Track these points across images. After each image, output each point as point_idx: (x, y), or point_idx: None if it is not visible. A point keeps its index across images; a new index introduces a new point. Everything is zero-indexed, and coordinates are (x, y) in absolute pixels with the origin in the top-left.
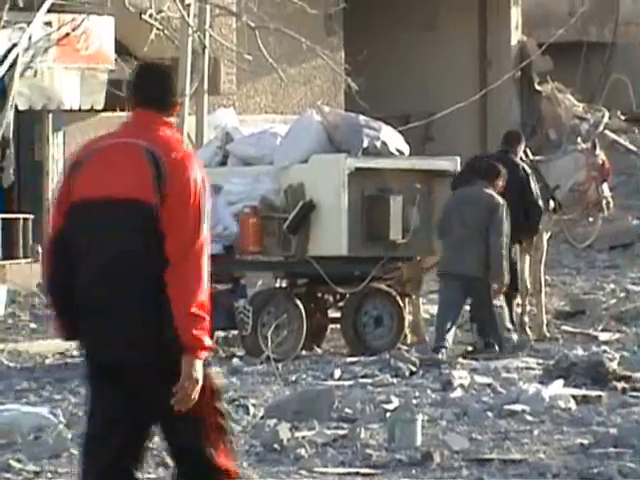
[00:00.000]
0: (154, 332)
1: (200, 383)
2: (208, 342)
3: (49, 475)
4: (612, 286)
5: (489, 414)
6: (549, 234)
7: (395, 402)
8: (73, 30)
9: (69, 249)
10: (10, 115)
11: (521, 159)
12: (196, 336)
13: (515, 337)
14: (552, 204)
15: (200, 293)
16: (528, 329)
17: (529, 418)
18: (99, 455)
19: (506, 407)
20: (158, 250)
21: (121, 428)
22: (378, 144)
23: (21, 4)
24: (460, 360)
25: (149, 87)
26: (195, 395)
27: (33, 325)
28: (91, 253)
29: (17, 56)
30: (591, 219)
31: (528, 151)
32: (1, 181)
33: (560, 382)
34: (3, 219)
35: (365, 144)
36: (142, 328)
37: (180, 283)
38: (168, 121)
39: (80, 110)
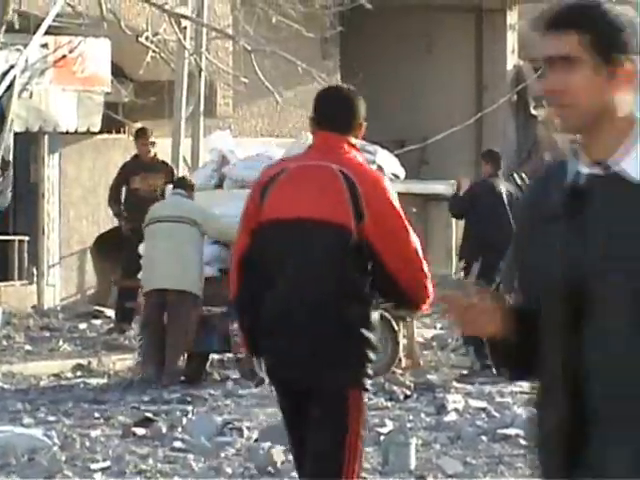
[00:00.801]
0: (345, 353)
1: None
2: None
3: None
4: None
5: (483, 438)
6: None
7: (389, 425)
8: (70, 52)
9: (257, 268)
10: (10, 137)
11: (516, 184)
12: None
13: None
14: None
15: (429, 283)
16: None
17: (523, 442)
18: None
19: (500, 431)
20: (352, 270)
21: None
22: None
23: (17, 26)
24: (454, 384)
25: (334, 110)
26: None
27: (28, 347)
28: (284, 272)
29: (14, 78)
30: None
31: (524, 175)
32: None
33: None
34: None
35: None
36: (334, 349)
37: (414, 284)
38: (353, 143)
39: (76, 132)
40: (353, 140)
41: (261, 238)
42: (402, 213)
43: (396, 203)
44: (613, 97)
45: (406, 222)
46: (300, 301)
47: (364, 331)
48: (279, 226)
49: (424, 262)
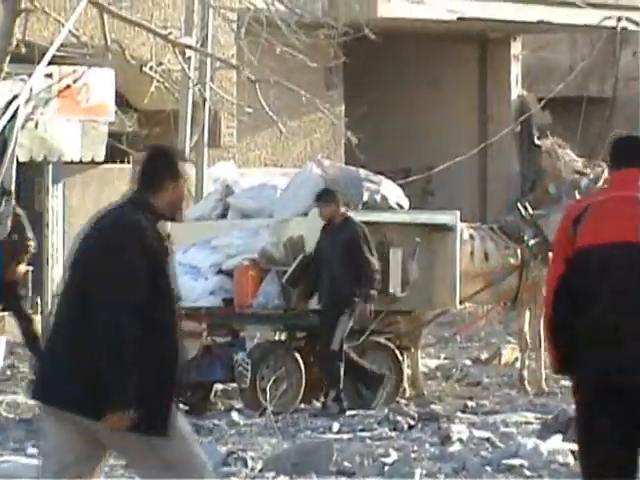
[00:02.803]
0: None
1: None
2: None
3: None
4: None
5: (488, 468)
6: None
7: (394, 456)
8: (74, 82)
9: (572, 291)
10: (12, 167)
11: (520, 214)
12: None
13: None
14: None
15: None
16: (527, 384)
17: (528, 473)
18: None
19: (505, 461)
20: None
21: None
22: (378, 198)
23: (22, 55)
24: (458, 414)
25: (632, 150)
26: None
27: (32, 377)
28: (603, 289)
29: (18, 107)
30: None
31: (527, 205)
32: None
33: (559, 437)
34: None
35: (365, 198)
36: None
37: None
38: None
39: (81, 162)
40: None
41: (578, 263)
42: None
43: None
44: None
45: None
46: (626, 313)
47: None
48: (596, 250)
49: None
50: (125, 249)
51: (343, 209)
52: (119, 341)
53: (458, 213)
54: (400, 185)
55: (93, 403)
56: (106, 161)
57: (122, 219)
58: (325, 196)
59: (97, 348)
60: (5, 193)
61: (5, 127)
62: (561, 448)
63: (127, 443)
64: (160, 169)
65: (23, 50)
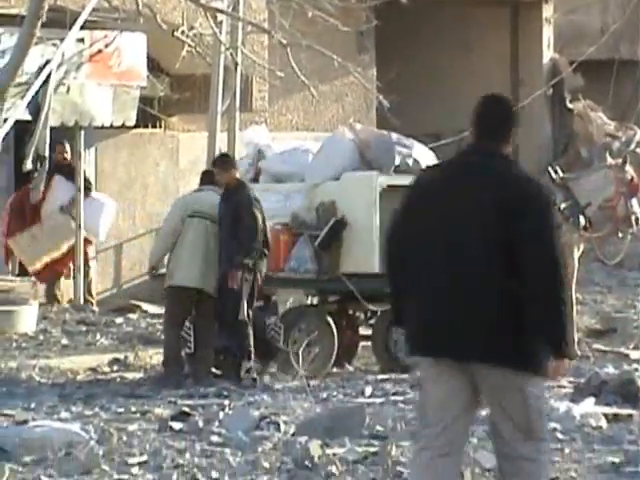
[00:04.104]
0: None
1: None
2: None
3: None
4: None
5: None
6: (580, 252)
7: None
8: (105, 47)
9: None
10: (46, 132)
11: (551, 177)
12: None
13: None
14: (582, 221)
15: None
16: None
17: (560, 436)
18: None
19: None
20: None
21: None
22: (410, 162)
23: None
24: None
25: None
26: None
27: (64, 341)
28: None
29: (50, 72)
30: (620, 235)
31: (558, 169)
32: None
33: (591, 400)
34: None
35: (397, 162)
36: None
37: None
38: None
39: (112, 127)
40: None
41: None
42: None
43: None
44: None
45: None
46: None
47: None
48: None
49: None
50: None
51: (238, 175)
52: (565, 293)
53: None
54: (432, 149)
55: (517, 353)
56: (137, 126)
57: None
58: (221, 162)
59: (547, 299)
60: (39, 158)
61: (38, 92)
62: (593, 412)
63: (508, 388)
64: (509, 120)
65: (55, 15)
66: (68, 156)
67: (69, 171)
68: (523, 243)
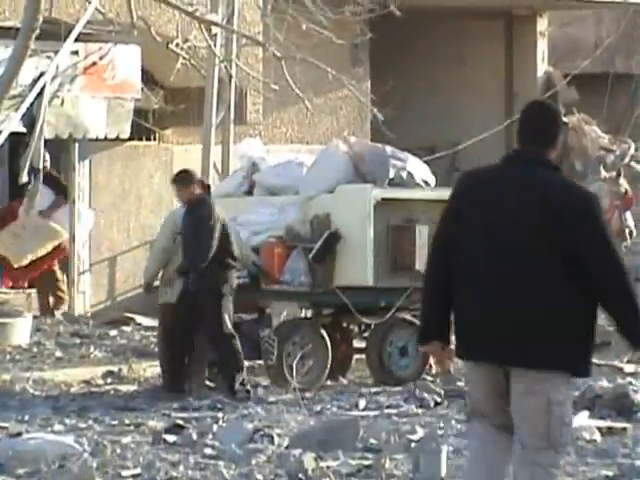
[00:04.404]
0: None
1: None
2: None
3: None
4: None
5: None
6: None
7: (420, 432)
8: (100, 59)
9: None
10: (40, 144)
11: None
12: None
13: None
14: None
15: None
16: None
17: None
18: None
19: None
20: None
21: None
22: (404, 175)
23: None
24: None
25: None
26: None
27: (58, 353)
28: None
29: (44, 85)
30: None
31: None
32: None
33: (585, 413)
34: None
35: (391, 175)
36: None
37: None
38: None
39: (106, 139)
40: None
41: None
42: None
43: None
44: None
45: None
46: None
47: None
48: None
49: None
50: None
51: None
52: (632, 288)
53: None
54: (426, 162)
55: (559, 355)
56: (131, 138)
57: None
58: (180, 179)
59: (616, 298)
60: (34, 171)
61: (32, 104)
62: (587, 425)
63: (535, 392)
64: (555, 125)
65: (49, 27)
66: (48, 164)
67: (50, 179)
68: (585, 247)
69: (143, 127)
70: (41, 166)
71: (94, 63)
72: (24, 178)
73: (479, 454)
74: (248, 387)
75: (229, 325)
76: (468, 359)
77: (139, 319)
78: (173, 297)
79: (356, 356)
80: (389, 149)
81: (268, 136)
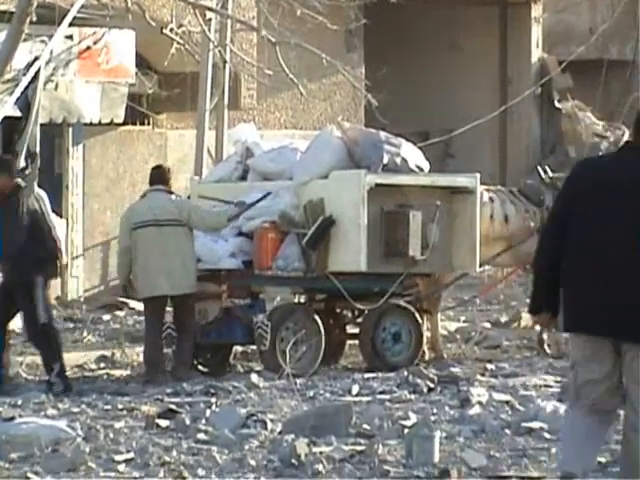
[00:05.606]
0: None
1: None
2: None
3: None
4: None
5: (507, 431)
6: None
7: (413, 418)
8: (94, 44)
9: None
10: (36, 128)
11: (541, 177)
12: None
13: None
14: None
15: None
16: (547, 347)
17: (547, 436)
18: None
19: (524, 424)
20: None
21: None
22: (398, 160)
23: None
24: (478, 377)
25: None
26: None
27: None
28: None
29: (39, 69)
30: None
31: (547, 168)
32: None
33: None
34: None
35: (385, 160)
36: None
37: None
38: None
39: (100, 124)
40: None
41: None
42: None
43: None
44: None
45: None
46: None
47: None
48: None
49: None
50: None
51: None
52: None
53: (478, 176)
54: (420, 148)
55: None
56: (125, 123)
57: None
58: None
59: None
60: (30, 155)
61: (27, 88)
62: None
63: None
64: None
65: (43, 12)
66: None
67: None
68: None
69: (137, 112)
70: (37, 150)
71: (88, 48)
72: (21, 163)
73: (577, 436)
74: (68, 381)
75: (44, 315)
76: (580, 332)
77: (132, 304)
78: (142, 293)
79: (349, 342)
80: (383, 135)
81: (262, 121)
